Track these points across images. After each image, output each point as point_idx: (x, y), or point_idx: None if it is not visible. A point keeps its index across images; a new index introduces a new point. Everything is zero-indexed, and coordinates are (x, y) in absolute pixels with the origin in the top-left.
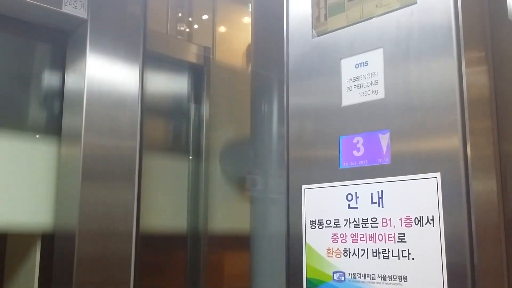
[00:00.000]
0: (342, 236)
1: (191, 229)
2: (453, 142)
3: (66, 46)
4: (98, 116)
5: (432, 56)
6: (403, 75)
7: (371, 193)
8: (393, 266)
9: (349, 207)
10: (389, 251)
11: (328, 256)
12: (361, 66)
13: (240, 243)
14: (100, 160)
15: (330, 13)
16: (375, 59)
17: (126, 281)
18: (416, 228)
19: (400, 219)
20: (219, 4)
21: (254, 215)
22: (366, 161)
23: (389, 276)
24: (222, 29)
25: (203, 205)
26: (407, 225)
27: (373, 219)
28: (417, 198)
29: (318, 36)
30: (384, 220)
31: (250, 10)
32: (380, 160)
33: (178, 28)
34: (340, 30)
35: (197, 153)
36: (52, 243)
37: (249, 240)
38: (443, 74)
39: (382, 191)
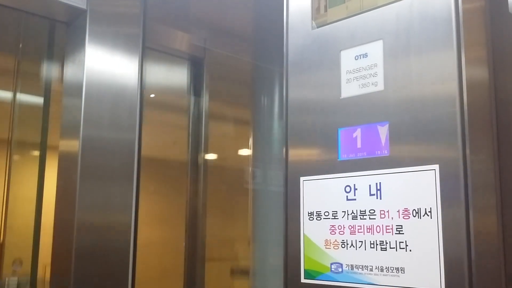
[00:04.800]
0: (340, 227)
1: None
2: (452, 134)
3: (65, 36)
4: (97, 108)
5: (432, 48)
6: (403, 67)
7: (369, 185)
8: (390, 258)
9: (347, 199)
10: (386, 243)
11: (326, 248)
12: (360, 58)
13: None
14: (99, 152)
15: (330, 4)
16: (375, 51)
17: (124, 274)
18: (413, 220)
19: (398, 211)
20: None
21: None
22: (365, 153)
23: (386, 268)
24: (221, 20)
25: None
26: (404, 217)
27: (371, 211)
28: (415, 190)
29: (318, 27)
30: (382, 212)
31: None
32: (379, 152)
33: (178, 19)
34: (340, 22)
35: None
36: None
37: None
38: (442, 66)
39: (380, 183)
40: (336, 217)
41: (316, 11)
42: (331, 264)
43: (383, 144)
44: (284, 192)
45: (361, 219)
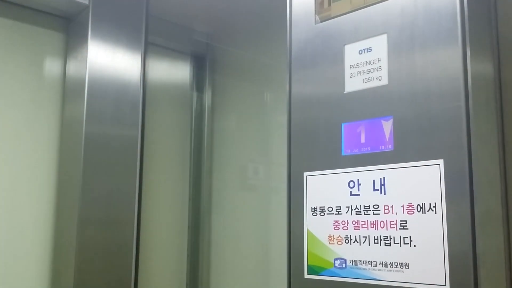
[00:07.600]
0: (343, 223)
1: None
2: (457, 129)
3: (67, 32)
4: (100, 104)
5: (436, 42)
6: (407, 62)
7: (373, 180)
8: (394, 253)
9: (351, 194)
10: (390, 238)
11: (329, 243)
12: (364, 52)
13: None
14: (102, 148)
15: None
16: (379, 45)
17: (127, 268)
18: (418, 215)
19: (402, 206)
20: None
21: None
22: (369, 148)
23: (390, 263)
24: (225, 15)
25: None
26: (409, 212)
27: (375, 206)
28: (420, 185)
29: (321, 21)
30: (386, 207)
31: None
32: (383, 147)
33: (180, 14)
34: (344, 16)
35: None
36: None
37: None
38: (447, 61)
39: (384, 178)
40: (339, 212)
41: (319, 6)
42: (335, 259)
43: (387, 139)
44: (288, 187)
45: (365, 214)
